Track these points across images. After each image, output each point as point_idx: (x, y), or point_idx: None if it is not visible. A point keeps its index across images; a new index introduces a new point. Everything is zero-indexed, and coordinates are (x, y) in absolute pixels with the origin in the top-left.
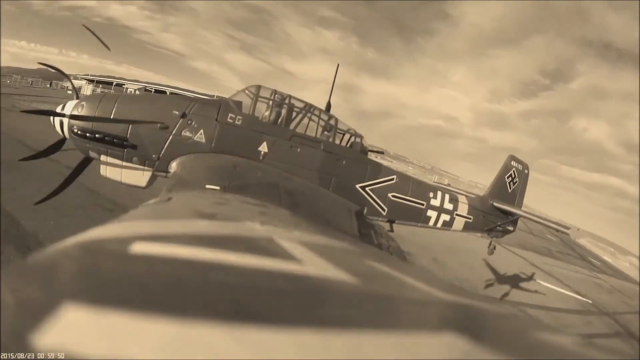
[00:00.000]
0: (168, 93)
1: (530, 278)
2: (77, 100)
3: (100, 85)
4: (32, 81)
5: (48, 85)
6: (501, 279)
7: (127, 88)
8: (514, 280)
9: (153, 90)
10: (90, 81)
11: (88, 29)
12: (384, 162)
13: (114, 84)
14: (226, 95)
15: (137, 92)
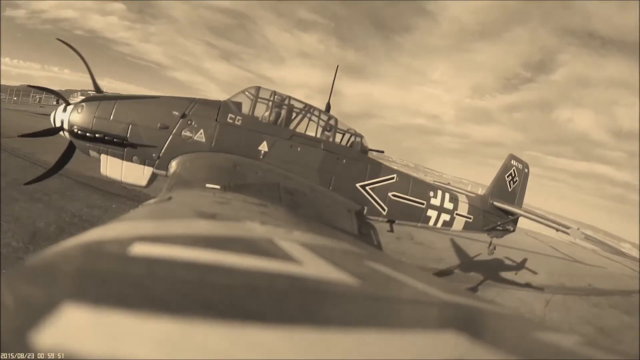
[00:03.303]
0: None
1: None
2: (78, 101)
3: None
4: (39, 98)
5: (55, 103)
6: None
7: None
8: None
9: None
10: None
11: (63, 42)
12: None
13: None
14: None
15: None
